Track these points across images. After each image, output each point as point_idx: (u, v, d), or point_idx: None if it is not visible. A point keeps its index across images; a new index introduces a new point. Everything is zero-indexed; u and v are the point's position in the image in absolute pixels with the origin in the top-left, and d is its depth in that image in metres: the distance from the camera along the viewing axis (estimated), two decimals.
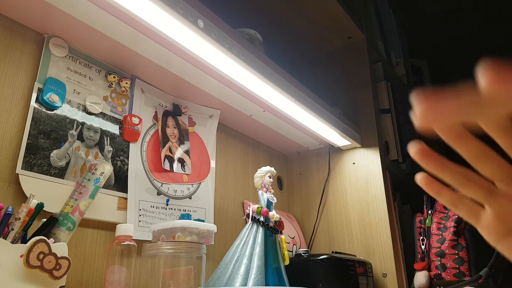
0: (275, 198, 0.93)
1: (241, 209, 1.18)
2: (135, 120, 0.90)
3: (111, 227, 0.80)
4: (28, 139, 0.71)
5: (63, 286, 0.58)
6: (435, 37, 2.26)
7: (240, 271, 0.82)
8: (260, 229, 0.87)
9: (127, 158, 0.88)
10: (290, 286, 0.87)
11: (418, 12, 2.09)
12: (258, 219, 0.88)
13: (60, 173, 0.74)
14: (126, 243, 0.71)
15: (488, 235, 0.28)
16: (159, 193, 0.92)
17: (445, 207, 1.21)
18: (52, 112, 0.76)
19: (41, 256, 0.55)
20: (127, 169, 0.87)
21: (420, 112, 0.22)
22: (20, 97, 0.73)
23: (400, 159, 1.40)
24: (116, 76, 0.88)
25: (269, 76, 0.90)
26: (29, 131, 0.72)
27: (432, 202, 1.25)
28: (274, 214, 0.89)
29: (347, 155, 1.33)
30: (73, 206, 0.67)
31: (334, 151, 1.35)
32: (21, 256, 0.54)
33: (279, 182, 1.41)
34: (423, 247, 1.19)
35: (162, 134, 0.97)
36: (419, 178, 0.28)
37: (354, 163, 1.30)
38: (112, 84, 0.88)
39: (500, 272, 1.10)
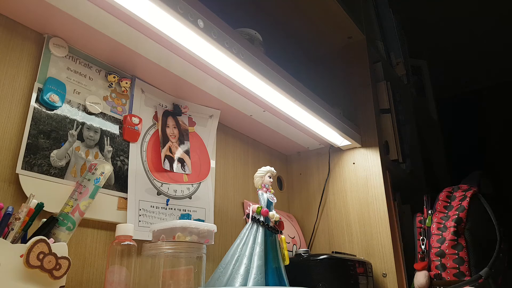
0: (275, 198, 0.93)
1: (241, 209, 1.18)
2: (135, 120, 0.91)
3: (111, 227, 0.81)
4: (28, 139, 0.71)
5: (63, 286, 0.58)
6: (435, 37, 2.26)
7: (240, 271, 0.82)
8: (260, 229, 0.87)
9: (127, 158, 0.88)
10: (290, 286, 0.87)
11: (419, 12, 2.09)
12: (258, 219, 0.88)
13: (60, 173, 0.74)
14: (126, 243, 0.72)
15: None
16: (159, 193, 0.92)
17: (445, 207, 1.21)
18: (52, 112, 0.76)
19: (41, 256, 0.55)
20: (127, 169, 0.87)
21: None
22: (20, 97, 0.73)
23: (400, 159, 1.40)
24: (116, 76, 0.88)
25: (269, 76, 0.90)
26: (29, 131, 0.72)
27: (432, 202, 1.25)
28: (274, 214, 0.89)
29: (347, 155, 1.33)
30: (73, 206, 0.67)
31: (334, 151, 1.35)
32: (21, 256, 0.54)
33: (279, 182, 1.41)
34: (423, 247, 1.19)
35: (162, 134, 0.97)
36: None
37: (354, 163, 1.30)
38: (112, 84, 0.88)
39: (500, 272, 1.10)
